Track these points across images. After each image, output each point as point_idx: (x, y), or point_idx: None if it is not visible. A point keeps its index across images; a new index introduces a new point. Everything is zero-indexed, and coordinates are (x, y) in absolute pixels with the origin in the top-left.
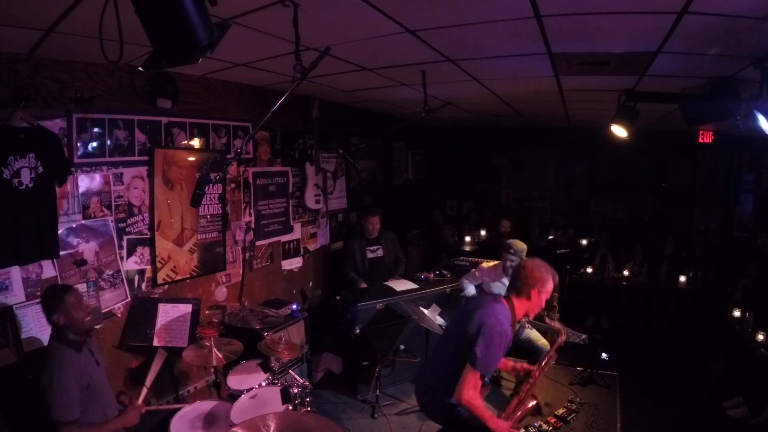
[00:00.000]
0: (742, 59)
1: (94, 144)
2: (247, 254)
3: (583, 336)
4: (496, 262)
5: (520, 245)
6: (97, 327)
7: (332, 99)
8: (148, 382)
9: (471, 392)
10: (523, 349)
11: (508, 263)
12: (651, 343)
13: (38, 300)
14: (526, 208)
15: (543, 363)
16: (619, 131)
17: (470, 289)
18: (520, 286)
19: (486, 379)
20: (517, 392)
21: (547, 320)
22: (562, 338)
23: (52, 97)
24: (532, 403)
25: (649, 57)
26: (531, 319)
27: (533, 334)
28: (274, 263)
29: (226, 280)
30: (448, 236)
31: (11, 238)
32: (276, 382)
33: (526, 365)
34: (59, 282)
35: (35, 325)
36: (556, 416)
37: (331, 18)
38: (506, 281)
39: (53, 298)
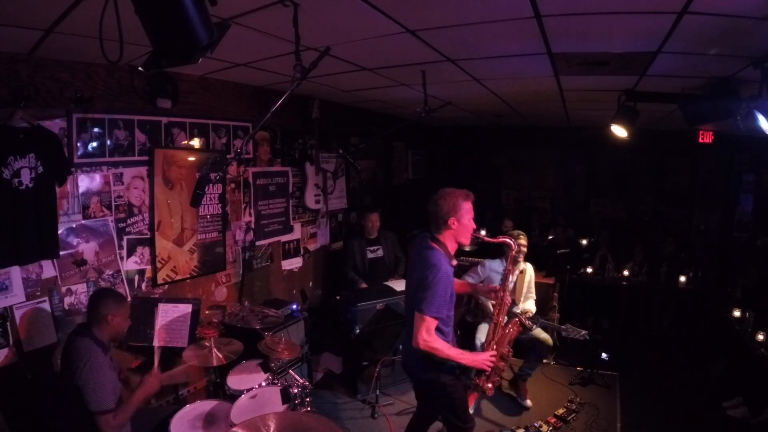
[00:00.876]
0: (742, 59)
1: (94, 144)
2: (247, 254)
3: (584, 332)
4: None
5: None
6: None
7: (332, 99)
8: (176, 372)
9: (424, 335)
10: (527, 346)
11: (523, 249)
12: (651, 343)
13: (39, 300)
14: (526, 208)
15: (504, 279)
16: (619, 131)
17: None
18: (437, 222)
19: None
20: (490, 317)
21: (486, 238)
22: (513, 248)
23: (52, 97)
24: (515, 322)
25: (649, 57)
26: (466, 243)
27: (536, 331)
28: (274, 263)
29: (226, 280)
30: None
31: (11, 238)
32: (276, 382)
33: (489, 285)
34: (59, 282)
35: (35, 325)
36: (556, 416)
37: (331, 18)
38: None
39: (108, 303)
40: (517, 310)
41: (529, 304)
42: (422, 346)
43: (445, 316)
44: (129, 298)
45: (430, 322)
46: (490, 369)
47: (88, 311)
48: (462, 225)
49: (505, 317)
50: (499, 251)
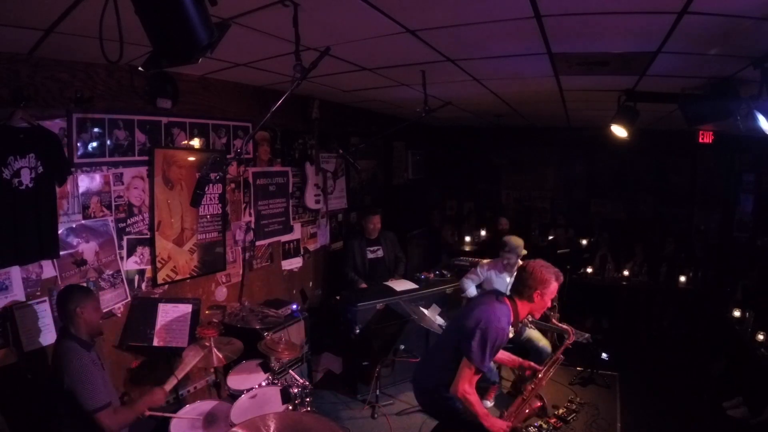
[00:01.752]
0: (742, 59)
1: (94, 144)
2: (247, 254)
3: (587, 335)
4: (496, 259)
5: (515, 241)
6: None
7: (332, 99)
8: (180, 373)
9: (466, 386)
10: (522, 349)
11: (505, 261)
12: (651, 343)
13: (39, 300)
14: (526, 208)
15: (550, 364)
16: (619, 131)
17: (471, 290)
18: (522, 288)
19: (494, 379)
20: (520, 392)
21: (554, 321)
22: (571, 339)
23: (52, 97)
24: (537, 404)
25: (649, 57)
26: (536, 319)
27: (534, 334)
28: (274, 263)
29: (226, 280)
30: (448, 236)
31: (11, 238)
32: (276, 382)
33: (533, 364)
34: (59, 282)
35: (35, 325)
36: (556, 416)
37: (331, 18)
38: (507, 277)
39: (74, 297)
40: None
41: None
42: (460, 394)
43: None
44: (129, 298)
45: (476, 375)
46: None
47: (59, 311)
48: (543, 302)
49: (535, 397)
50: (497, 252)
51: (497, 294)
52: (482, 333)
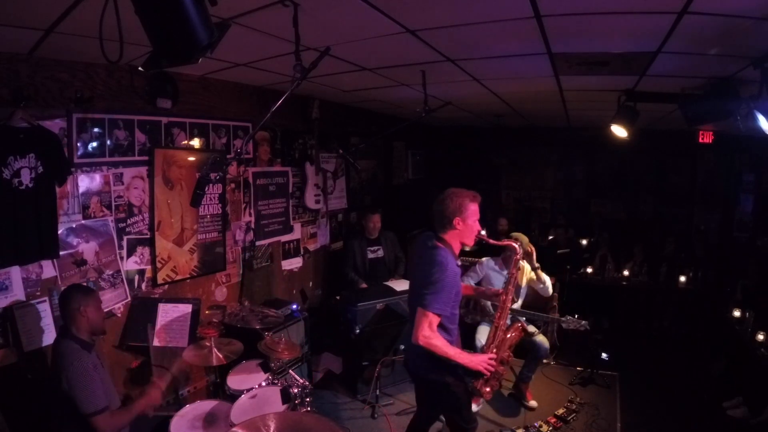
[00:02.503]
0: (742, 59)
1: (94, 144)
2: (247, 254)
3: (584, 322)
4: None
5: (522, 237)
6: None
7: (332, 99)
8: (175, 369)
9: (425, 331)
10: (525, 348)
11: (508, 255)
12: (651, 343)
13: (39, 300)
14: (526, 208)
15: (508, 283)
16: (619, 131)
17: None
18: (441, 221)
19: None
20: (491, 321)
21: (491, 240)
22: (518, 251)
23: (52, 97)
24: (516, 326)
25: (649, 57)
26: (470, 246)
27: (530, 329)
28: (274, 263)
29: (226, 280)
30: None
31: (11, 238)
32: (276, 382)
33: (492, 288)
34: (59, 282)
35: (35, 325)
36: (556, 416)
37: (331, 18)
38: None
39: (76, 296)
40: (516, 306)
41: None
42: (422, 342)
43: (450, 314)
44: (129, 298)
45: (433, 318)
46: (488, 372)
47: (61, 310)
48: (467, 226)
49: (507, 321)
50: (499, 251)
51: (427, 240)
52: (431, 280)
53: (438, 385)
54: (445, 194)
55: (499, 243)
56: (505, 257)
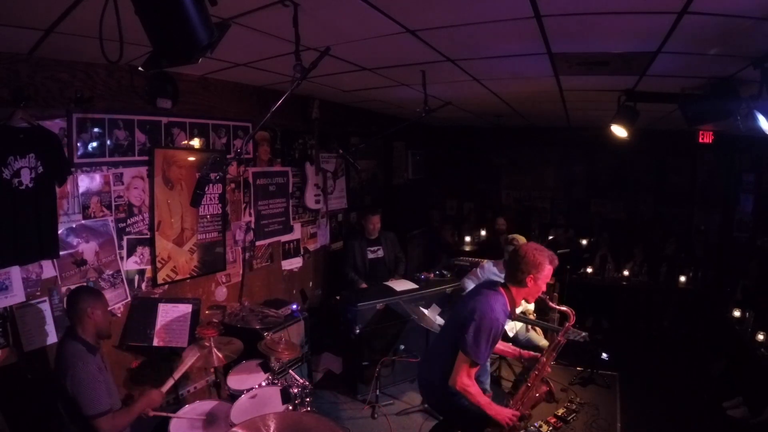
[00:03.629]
0: (742, 59)
1: (94, 144)
2: (247, 254)
3: (584, 333)
4: (498, 261)
5: (522, 240)
6: None
7: (332, 99)
8: (177, 374)
9: (465, 379)
10: (523, 349)
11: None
12: (651, 343)
13: (39, 300)
14: (526, 208)
15: (551, 349)
16: (619, 131)
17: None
18: (515, 273)
19: (485, 384)
20: (525, 379)
21: (551, 304)
22: (572, 321)
23: (52, 97)
24: (544, 389)
25: (649, 57)
26: (531, 302)
27: (533, 335)
28: (274, 263)
29: (226, 280)
30: (448, 236)
31: (11, 238)
32: (276, 382)
33: (532, 353)
34: (59, 282)
35: (35, 325)
36: (556, 416)
37: (331, 18)
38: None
39: (85, 297)
40: (517, 310)
41: (529, 305)
42: (459, 387)
43: (483, 363)
44: (129, 298)
45: (473, 368)
46: (507, 427)
47: (69, 311)
48: (537, 286)
49: (539, 383)
50: (499, 251)
51: (491, 284)
52: (476, 324)
53: (460, 407)
54: (525, 247)
55: (557, 307)
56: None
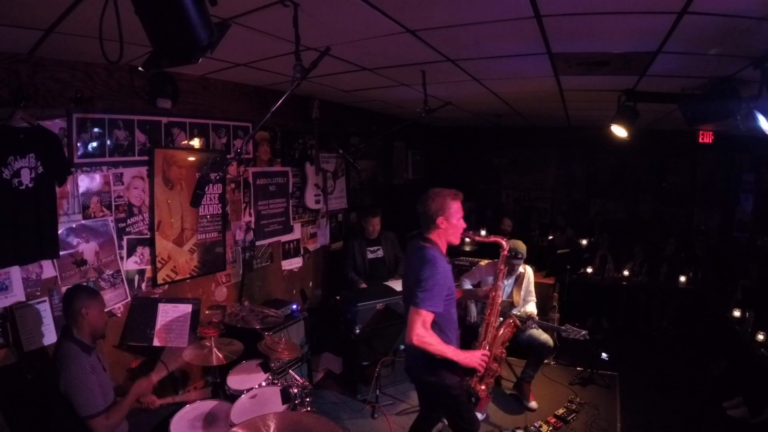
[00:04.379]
0: (742, 59)
1: (94, 144)
2: (247, 254)
3: (584, 332)
4: (495, 260)
5: (521, 246)
6: None
7: (332, 99)
8: (171, 367)
9: (419, 330)
10: (525, 347)
11: (516, 268)
12: (651, 343)
13: (39, 300)
14: (526, 208)
15: (497, 279)
16: (619, 131)
17: (467, 286)
18: (426, 222)
19: (452, 338)
20: (483, 318)
21: (477, 237)
22: (506, 247)
23: (52, 97)
24: (509, 322)
25: (649, 57)
26: (456, 243)
27: (534, 332)
28: (274, 263)
29: (226, 280)
30: None
31: (11, 238)
32: (276, 382)
33: (484, 289)
34: (59, 282)
35: (35, 325)
36: (556, 416)
37: (331, 18)
38: (507, 280)
39: (80, 297)
40: (516, 312)
41: (530, 307)
42: (415, 341)
43: (444, 312)
44: (129, 298)
45: (426, 316)
46: (482, 369)
47: (64, 310)
48: (451, 224)
49: (499, 318)
50: (498, 252)
51: (415, 246)
52: (421, 278)
53: (437, 387)
54: (427, 194)
55: (485, 239)
56: (513, 270)
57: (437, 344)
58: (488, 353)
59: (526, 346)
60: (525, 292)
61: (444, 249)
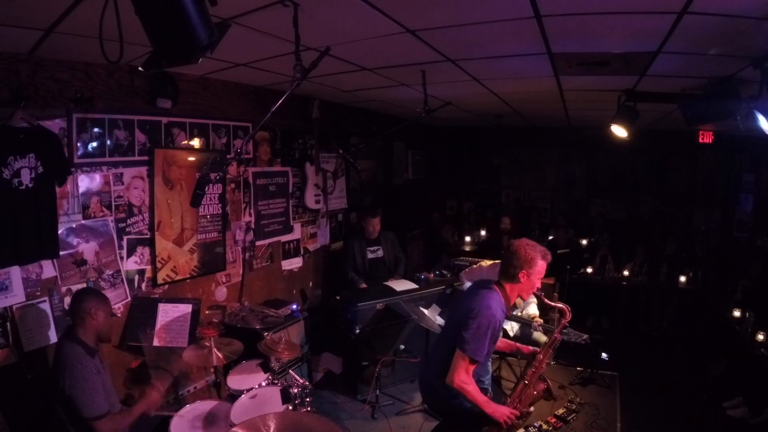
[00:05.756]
0: (742, 59)
1: (94, 144)
2: (247, 254)
3: (585, 336)
4: (497, 261)
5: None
6: None
7: (332, 99)
8: (174, 370)
9: (462, 376)
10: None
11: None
12: (651, 343)
13: (39, 300)
14: (526, 208)
15: (548, 345)
16: (619, 131)
17: (467, 285)
18: (508, 269)
19: (486, 384)
20: (522, 377)
21: (547, 301)
22: (567, 318)
23: (52, 97)
24: (541, 386)
25: (649, 57)
26: (526, 299)
27: (536, 336)
28: (274, 263)
29: (226, 280)
30: (448, 236)
31: (11, 238)
32: (276, 382)
33: (530, 348)
34: (59, 282)
35: (35, 325)
36: (556, 416)
37: (331, 18)
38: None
39: (90, 299)
40: (517, 313)
41: (531, 309)
42: (456, 385)
43: (484, 361)
44: (129, 298)
45: (471, 364)
46: (506, 426)
47: (71, 310)
48: (530, 282)
49: (537, 381)
50: (497, 252)
51: (485, 282)
52: (474, 322)
53: (460, 410)
54: (518, 244)
55: (552, 304)
56: (558, 323)
57: (475, 393)
58: (517, 413)
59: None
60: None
61: (512, 302)
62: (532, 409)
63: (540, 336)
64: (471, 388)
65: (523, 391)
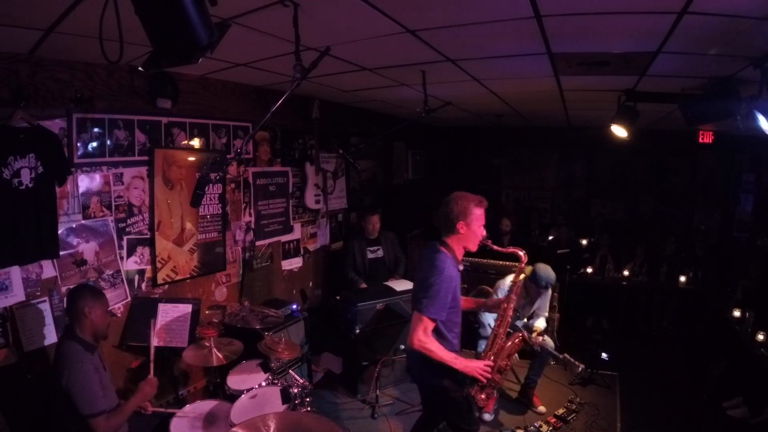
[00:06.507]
0: (742, 59)
1: (94, 144)
2: (247, 254)
3: (582, 366)
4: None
5: (548, 272)
6: None
7: (332, 99)
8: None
9: (420, 335)
10: (528, 352)
11: (542, 295)
12: (651, 343)
13: (39, 300)
14: (526, 208)
15: (511, 294)
16: (619, 131)
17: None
18: (446, 223)
19: (455, 346)
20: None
21: (495, 247)
22: (524, 260)
23: (52, 97)
24: (517, 336)
25: (649, 57)
26: (473, 251)
27: (540, 324)
28: (274, 263)
29: (226, 280)
30: None
31: (11, 238)
32: (276, 382)
33: (494, 299)
34: (59, 282)
35: (35, 325)
36: (556, 416)
37: (331, 18)
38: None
39: (84, 296)
40: (519, 323)
41: (539, 322)
42: (416, 345)
43: (447, 320)
44: (129, 298)
45: (428, 323)
46: (484, 379)
47: (67, 309)
48: (471, 231)
49: (507, 330)
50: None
51: (431, 248)
52: (430, 287)
53: (437, 388)
54: (450, 197)
55: (504, 250)
56: (536, 297)
57: (437, 350)
58: (492, 364)
59: (529, 351)
60: (539, 306)
61: (460, 255)
62: (509, 362)
63: (540, 325)
64: (431, 346)
65: (494, 342)
